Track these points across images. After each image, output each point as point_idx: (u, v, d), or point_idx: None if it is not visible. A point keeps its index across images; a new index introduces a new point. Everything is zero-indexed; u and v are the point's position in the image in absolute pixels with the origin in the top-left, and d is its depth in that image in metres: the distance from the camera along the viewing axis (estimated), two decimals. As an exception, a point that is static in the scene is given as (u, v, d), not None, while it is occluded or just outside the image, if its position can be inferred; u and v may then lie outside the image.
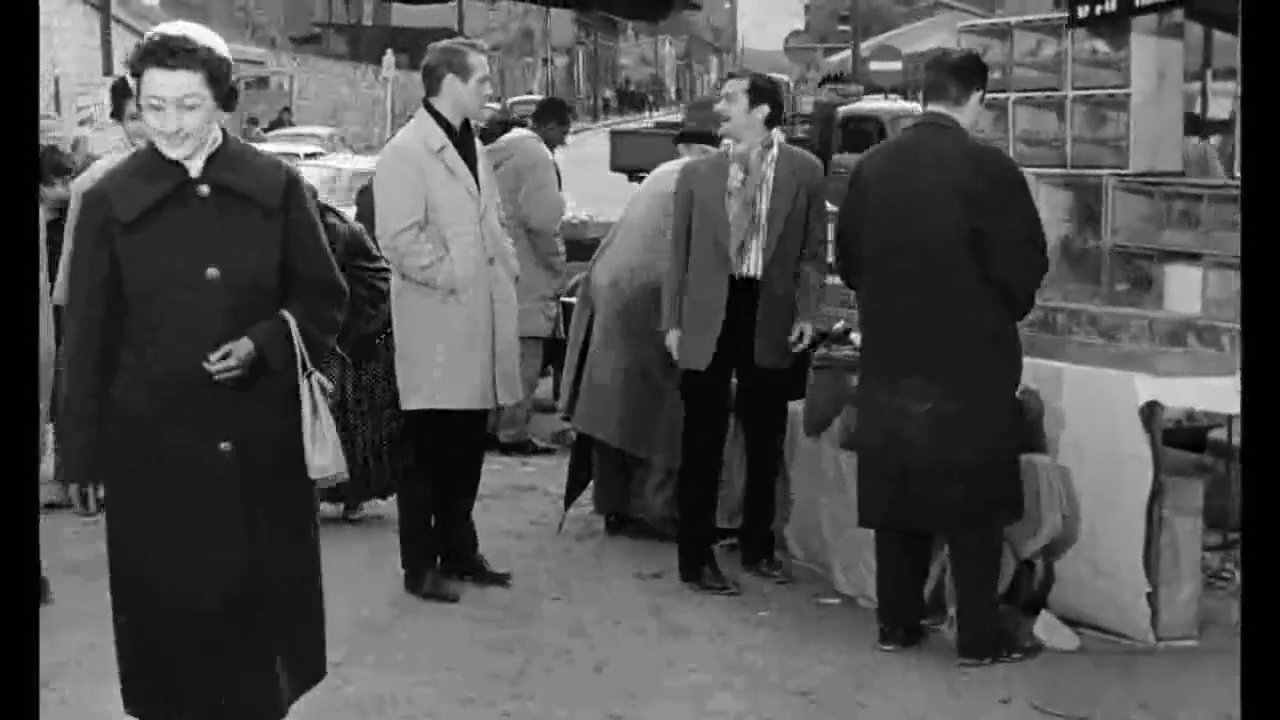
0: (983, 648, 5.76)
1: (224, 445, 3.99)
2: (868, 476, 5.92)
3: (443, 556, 6.66)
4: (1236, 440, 6.78)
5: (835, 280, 6.71)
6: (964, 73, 5.95)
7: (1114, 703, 5.43)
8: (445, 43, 6.66)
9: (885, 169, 5.94)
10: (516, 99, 46.69)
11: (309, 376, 4.09)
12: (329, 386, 4.17)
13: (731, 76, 7.16)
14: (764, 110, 6.71)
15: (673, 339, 6.74)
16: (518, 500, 7.84)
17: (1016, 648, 5.82)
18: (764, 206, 6.64)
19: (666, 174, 7.40)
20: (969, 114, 5.95)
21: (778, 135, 6.82)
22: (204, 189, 3.98)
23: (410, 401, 6.49)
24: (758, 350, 6.65)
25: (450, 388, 6.37)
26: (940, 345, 5.70)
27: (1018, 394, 5.87)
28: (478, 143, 6.63)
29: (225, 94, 3.99)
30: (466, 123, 6.53)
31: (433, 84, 6.47)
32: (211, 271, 3.94)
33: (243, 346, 3.95)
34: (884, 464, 5.81)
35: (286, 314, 4.05)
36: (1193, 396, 6.14)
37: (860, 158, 6.35)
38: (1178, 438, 6.40)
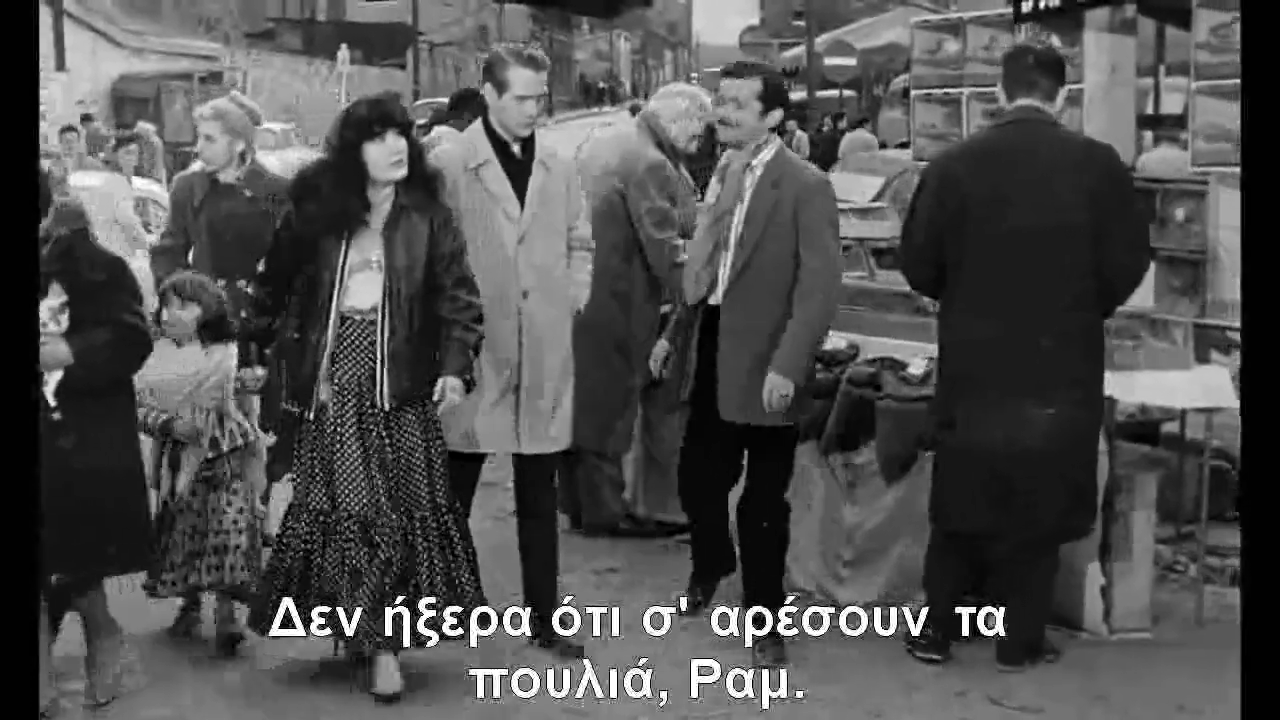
0: (1030, 653, 5.66)
1: None
2: (966, 484, 5.61)
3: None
4: (1190, 434, 6.83)
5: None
6: (1053, 67, 5.67)
7: (1069, 695, 5.46)
8: (500, 47, 5.83)
9: (987, 167, 5.55)
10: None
11: None
12: None
13: (729, 75, 5.77)
14: (777, 115, 5.71)
15: (660, 350, 6.12)
16: (479, 496, 7.83)
17: (1050, 650, 5.74)
18: (739, 228, 5.66)
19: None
20: (1057, 109, 5.67)
21: (775, 139, 5.73)
22: None
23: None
24: (719, 400, 5.69)
25: (473, 430, 5.77)
26: (1055, 347, 5.46)
27: None
28: (543, 164, 5.79)
29: None
30: (531, 138, 5.78)
31: (486, 94, 5.78)
32: None
33: None
34: (992, 472, 5.54)
35: None
36: (1146, 391, 6.17)
37: (939, 157, 6.03)
38: (1131, 431, 6.43)
